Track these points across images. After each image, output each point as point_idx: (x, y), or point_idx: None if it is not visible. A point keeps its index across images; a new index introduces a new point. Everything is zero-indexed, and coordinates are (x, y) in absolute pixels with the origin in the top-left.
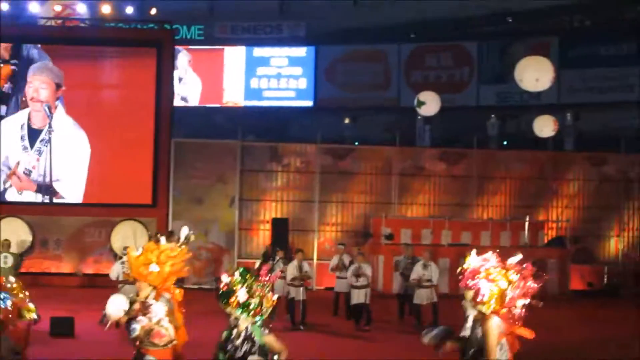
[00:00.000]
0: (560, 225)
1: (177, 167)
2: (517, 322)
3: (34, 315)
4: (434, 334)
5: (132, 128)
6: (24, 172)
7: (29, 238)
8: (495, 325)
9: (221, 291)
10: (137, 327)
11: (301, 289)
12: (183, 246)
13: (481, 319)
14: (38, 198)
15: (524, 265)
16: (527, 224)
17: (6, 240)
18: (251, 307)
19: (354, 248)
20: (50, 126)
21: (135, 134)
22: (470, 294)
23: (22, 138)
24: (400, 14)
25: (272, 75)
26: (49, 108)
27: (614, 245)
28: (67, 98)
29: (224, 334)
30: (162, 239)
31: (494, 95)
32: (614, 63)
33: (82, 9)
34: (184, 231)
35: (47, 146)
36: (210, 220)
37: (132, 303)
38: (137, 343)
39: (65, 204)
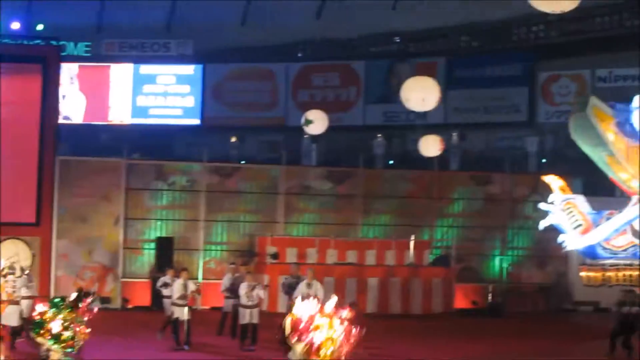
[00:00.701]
0: (445, 244)
1: (62, 185)
2: None
3: None
4: None
5: (17, 145)
6: None
7: None
8: None
9: (34, 320)
10: None
11: (185, 308)
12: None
13: None
14: None
15: (345, 310)
16: (412, 243)
17: None
18: (63, 338)
19: (242, 267)
20: None
21: (20, 150)
22: (301, 347)
23: None
24: (288, 33)
25: (159, 93)
26: None
27: (498, 264)
28: None
29: None
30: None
31: (381, 114)
32: (499, 84)
33: None
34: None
35: None
36: (94, 239)
37: None
38: None
39: None
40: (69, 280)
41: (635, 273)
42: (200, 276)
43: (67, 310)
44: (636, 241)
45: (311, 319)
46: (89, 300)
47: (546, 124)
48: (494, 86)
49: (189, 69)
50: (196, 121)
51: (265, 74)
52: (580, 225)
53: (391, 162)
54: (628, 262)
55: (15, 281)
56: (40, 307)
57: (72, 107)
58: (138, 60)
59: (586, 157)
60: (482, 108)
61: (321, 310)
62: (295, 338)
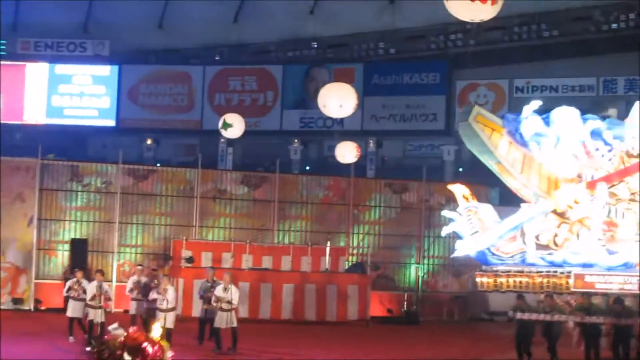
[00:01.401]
0: (362, 252)
1: None
2: None
3: None
4: None
5: None
6: None
7: None
8: None
9: None
10: None
11: (100, 310)
12: None
13: None
14: None
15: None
16: (328, 249)
17: None
18: None
19: (158, 270)
20: None
21: None
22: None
23: None
24: (205, 36)
25: (74, 94)
26: None
27: (414, 272)
28: None
29: None
30: None
31: (298, 120)
32: (417, 91)
33: None
34: None
35: None
36: (7, 239)
37: None
38: None
39: None
40: None
41: (525, 279)
42: (114, 278)
43: None
44: (525, 248)
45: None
46: None
47: None
48: (412, 94)
49: (105, 70)
50: (112, 122)
51: (182, 76)
52: (477, 232)
53: (307, 167)
54: (519, 268)
55: None
56: None
57: None
58: (54, 59)
59: None
60: (400, 115)
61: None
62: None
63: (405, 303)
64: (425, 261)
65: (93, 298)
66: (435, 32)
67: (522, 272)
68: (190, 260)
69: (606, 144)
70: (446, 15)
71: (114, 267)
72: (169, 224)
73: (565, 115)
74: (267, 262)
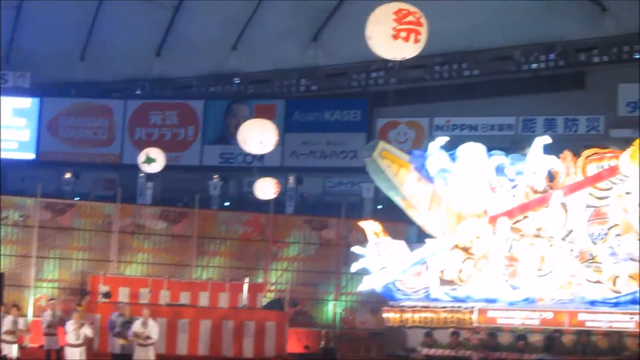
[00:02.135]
0: (279, 288)
1: None
2: None
3: None
4: None
5: None
6: None
7: None
8: None
9: None
10: None
11: (14, 346)
12: None
13: None
14: None
15: None
16: (246, 285)
17: None
18: None
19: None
20: None
21: None
22: None
23: None
24: (127, 69)
25: None
26: None
27: (332, 309)
28: None
29: None
30: None
31: (218, 155)
32: (337, 128)
33: None
34: None
35: None
36: None
37: None
38: None
39: None
40: None
41: (430, 315)
42: (30, 313)
43: None
44: (429, 283)
45: None
46: None
47: None
48: (332, 131)
49: (25, 102)
50: (31, 155)
51: (103, 110)
52: (384, 267)
53: (227, 203)
54: (425, 304)
55: None
56: None
57: None
58: None
59: None
60: (320, 152)
61: None
62: None
63: (323, 340)
64: (343, 298)
65: (8, 333)
66: (356, 69)
67: (427, 307)
68: (107, 295)
69: (510, 180)
70: (368, 53)
71: (31, 301)
72: (86, 258)
73: (471, 151)
74: (185, 297)
